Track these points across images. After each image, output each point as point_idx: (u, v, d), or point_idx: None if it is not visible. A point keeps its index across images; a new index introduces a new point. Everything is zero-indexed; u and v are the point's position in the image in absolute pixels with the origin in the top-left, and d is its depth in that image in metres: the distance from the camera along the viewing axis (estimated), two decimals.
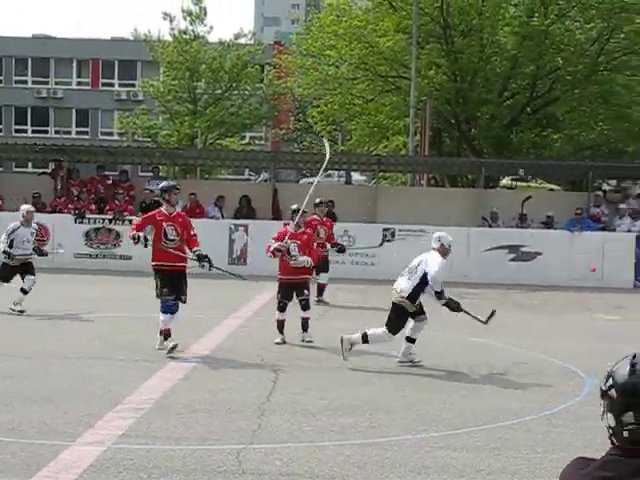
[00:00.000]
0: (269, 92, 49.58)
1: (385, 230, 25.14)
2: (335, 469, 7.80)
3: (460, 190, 33.40)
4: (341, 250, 20.09)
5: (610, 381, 3.10)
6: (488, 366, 12.85)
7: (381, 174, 34.80)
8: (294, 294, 14.53)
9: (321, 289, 19.63)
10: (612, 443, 3.07)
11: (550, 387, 11.62)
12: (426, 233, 24.99)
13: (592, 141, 39.16)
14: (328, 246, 19.67)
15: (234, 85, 48.37)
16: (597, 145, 39.01)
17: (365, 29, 36.14)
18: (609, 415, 3.06)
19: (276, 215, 25.91)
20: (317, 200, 19.29)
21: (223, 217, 26.32)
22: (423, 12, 34.20)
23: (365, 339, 12.83)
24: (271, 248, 14.46)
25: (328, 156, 16.24)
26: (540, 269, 24.68)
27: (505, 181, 43.38)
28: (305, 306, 14.62)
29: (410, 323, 12.91)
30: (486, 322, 13.03)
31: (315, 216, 19.61)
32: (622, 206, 26.43)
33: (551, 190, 41.18)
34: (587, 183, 28.29)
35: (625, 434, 3.01)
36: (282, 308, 14.49)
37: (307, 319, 14.61)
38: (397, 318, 12.77)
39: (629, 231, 25.33)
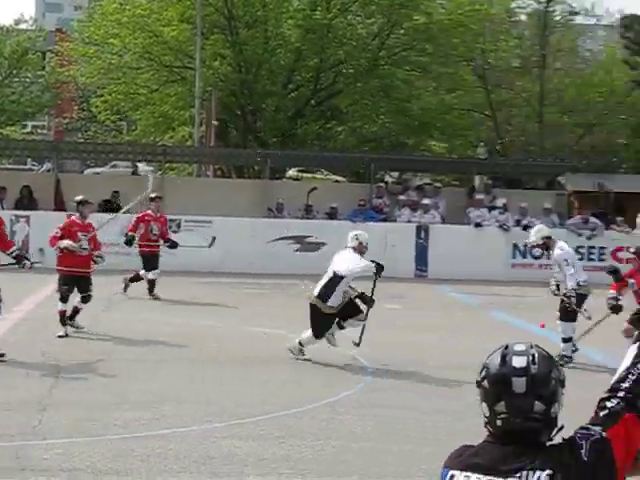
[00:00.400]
0: (51, 80, 48.23)
1: (171, 221, 24.92)
2: (118, 463, 7.71)
3: (246, 181, 33.53)
4: (173, 246, 19.81)
5: (484, 372, 3.17)
6: (274, 355, 12.96)
7: (167, 165, 34.56)
8: (76, 287, 14.27)
9: (137, 277, 19.29)
10: (488, 431, 3.16)
11: (334, 375, 11.85)
12: (212, 224, 25.08)
13: (375, 134, 40.08)
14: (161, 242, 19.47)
15: (14, 72, 46.88)
16: (379, 138, 39.94)
17: (149, 18, 35.70)
18: (484, 405, 3.14)
19: (59, 206, 25.28)
20: (152, 195, 19.06)
21: (3, 208, 25.46)
22: (207, 2, 34.11)
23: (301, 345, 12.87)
24: (61, 245, 14.14)
25: (148, 191, 16.36)
26: (325, 259, 24.97)
27: (291, 172, 43.91)
28: (86, 300, 14.41)
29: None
30: (358, 344, 13.01)
31: (149, 211, 19.40)
32: (401, 197, 27.15)
33: (336, 182, 41.96)
34: (370, 175, 28.92)
35: (498, 423, 3.09)
36: (64, 299, 14.20)
37: (80, 310, 14.42)
38: (314, 320, 12.74)
39: (409, 222, 26.05)
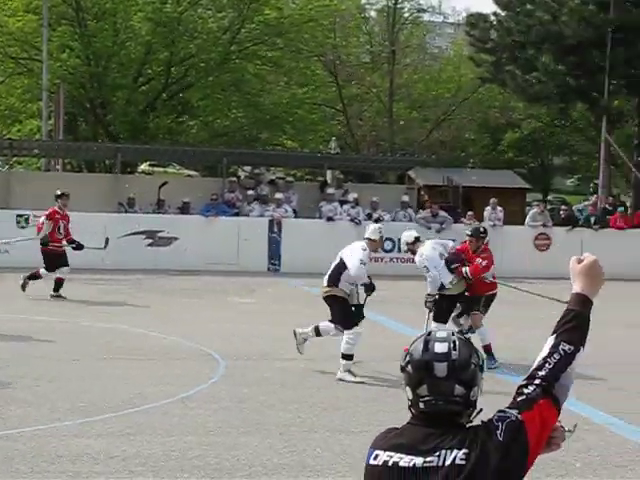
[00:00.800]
0: None
1: (19, 216, 24.37)
2: None
3: (97, 175, 33.06)
4: (78, 247, 19.16)
5: (407, 357, 3.31)
6: (125, 351, 12.81)
7: (15, 159, 33.76)
8: None
9: (59, 283, 18.55)
10: (411, 413, 3.30)
11: (186, 370, 11.77)
12: None
13: (227, 128, 40.05)
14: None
15: None
16: (232, 132, 39.92)
17: None
18: (407, 389, 3.29)
19: None
20: (58, 191, 18.73)
21: None
22: None
23: (317, 332, 12.14)
24: None
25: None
26: (177, 254, 24.91)
27: (143, 167, 43.46)
28: None
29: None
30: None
31: (56, 208, 18.78)
32: (250, 192, 27.08)
33: (188, 176, 41.73)
34: (222, 169, 28.86)
35: (421, 405, 3.24)
36: None
37: None
38: (337, 310, 12.01)
39: (262, 216, 26.08)
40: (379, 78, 44.24)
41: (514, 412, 3.20)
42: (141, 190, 26.66)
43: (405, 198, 27.46)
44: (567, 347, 3.27)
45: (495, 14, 35.49)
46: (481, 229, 13.48)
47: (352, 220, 26.04)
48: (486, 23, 35.36)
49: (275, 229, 25.74)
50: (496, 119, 48.94)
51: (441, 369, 3.21)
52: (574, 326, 3.31)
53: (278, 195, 26.59)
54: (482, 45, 35.51)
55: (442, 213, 26.82)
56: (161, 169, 44.52)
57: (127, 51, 35.85)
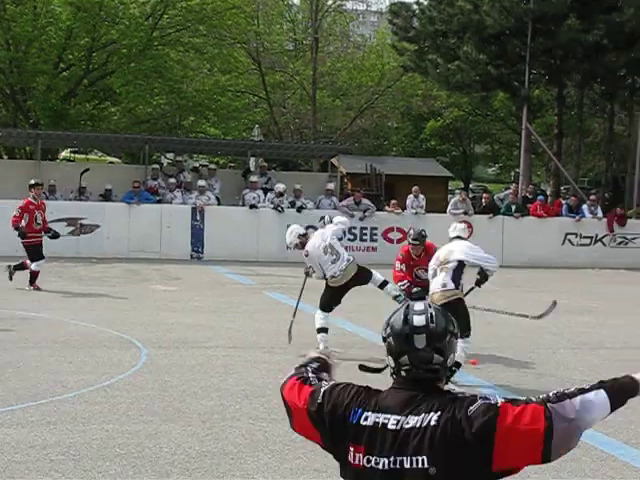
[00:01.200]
0: None
1: None
2: None
3: (17, 162, 32.59)
4: (55, 236, 18.84)
5: (388, 330, 3.55)
6: (46, 340, 12.67)
7: None
8: None
9: (34, 276, 18.22)
10: (394, 379, 3.57)
11: (107, 358, 11.68)
12: None
13: (149, 115, 39.76)
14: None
15: None
16: (154, 119, 39.65)
17: None
18: (389, 358, 3.55)
19: None
20: (32, 181, 18.43)
21: None
22: None
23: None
24: None
25: None
26: (99, 241, 24.72)
27: (65, 153, 42.99)
28: None
29: None
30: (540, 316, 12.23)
31: (31, 199, 18.37)
32: (173, 180, 26.91)
33: (111, 163, 41.39)
34: (144, 156, 28.66)
35: (403, 373, 3.51)
36: None
37: None
38: (463, 313, 11.06)
39: (184, 203, 25.95)
40: (302, 66, 44.27)
41: (499, 399, 3.41)
42: (62, 177, 26.36)
43: (330, 186, 27.48)
44: (600, 394, 3.40)
45: (418, 3, 35.76)
46: (423, 233, 13.02)
47: (275, 208, 26.05)
48: (409, 12, 35.60)
49: (198, 217, 25.64)
50: (419, 107, 49.33)
51: (420, 340, 3.46)
52: (621, 384, 3.45)
53: (201, 182, 26.47)
54: (405, 34, 35.73)
55: (365, 201, 26.94)
56: (83, 156, 44.10)
57: (47, 36, 35.37)
